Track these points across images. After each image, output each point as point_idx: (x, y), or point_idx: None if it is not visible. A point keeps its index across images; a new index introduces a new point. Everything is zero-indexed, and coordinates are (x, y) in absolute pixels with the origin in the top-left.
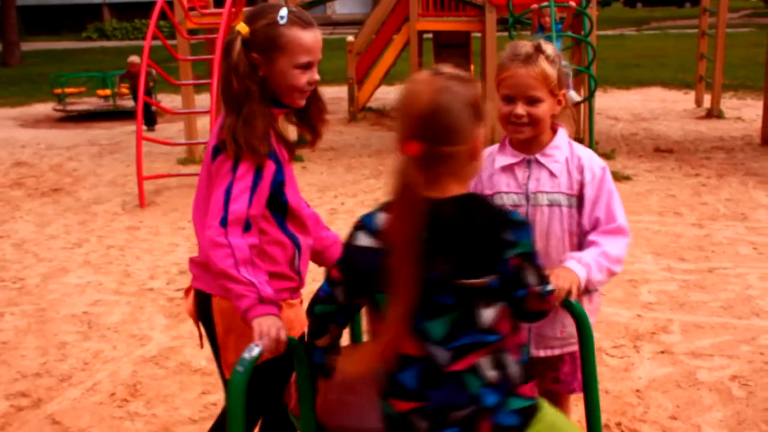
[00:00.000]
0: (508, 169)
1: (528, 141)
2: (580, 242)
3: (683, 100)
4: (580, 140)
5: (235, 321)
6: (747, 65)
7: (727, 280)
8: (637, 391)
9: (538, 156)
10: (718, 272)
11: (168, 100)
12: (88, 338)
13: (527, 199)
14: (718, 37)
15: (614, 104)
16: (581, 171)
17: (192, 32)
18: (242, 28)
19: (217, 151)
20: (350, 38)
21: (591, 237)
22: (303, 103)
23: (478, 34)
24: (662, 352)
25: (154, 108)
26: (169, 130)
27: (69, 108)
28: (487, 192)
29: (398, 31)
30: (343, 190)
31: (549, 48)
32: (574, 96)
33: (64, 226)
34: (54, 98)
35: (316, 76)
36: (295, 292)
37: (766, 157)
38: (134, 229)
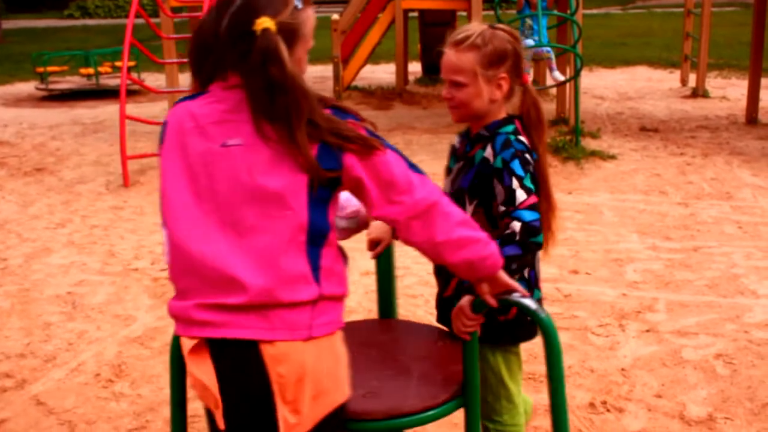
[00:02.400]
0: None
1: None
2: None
3: (669, 79)
4: (565, 120)
5: (305, 365)
6: (732, 44)
7: (712, 259)
8: (623, 369)
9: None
10: (703, 251)
11: (152, 79)
12: (73, 319)
13: None
14: (704, 16)
15: (600, 83)
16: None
17: (176, 10)
18: (267, 22)
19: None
20: (335, 17)
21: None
22: None
23: (464, 13)
24: (647, 331)
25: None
26: (153, 108)
27: (51, 87)
28: None
29: (384, 9)
30: None
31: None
32: (557, 76)
33: (47, 205)
34: (36, 77)
35: None
36: None
37: (750, 136)
38: (118, 208)
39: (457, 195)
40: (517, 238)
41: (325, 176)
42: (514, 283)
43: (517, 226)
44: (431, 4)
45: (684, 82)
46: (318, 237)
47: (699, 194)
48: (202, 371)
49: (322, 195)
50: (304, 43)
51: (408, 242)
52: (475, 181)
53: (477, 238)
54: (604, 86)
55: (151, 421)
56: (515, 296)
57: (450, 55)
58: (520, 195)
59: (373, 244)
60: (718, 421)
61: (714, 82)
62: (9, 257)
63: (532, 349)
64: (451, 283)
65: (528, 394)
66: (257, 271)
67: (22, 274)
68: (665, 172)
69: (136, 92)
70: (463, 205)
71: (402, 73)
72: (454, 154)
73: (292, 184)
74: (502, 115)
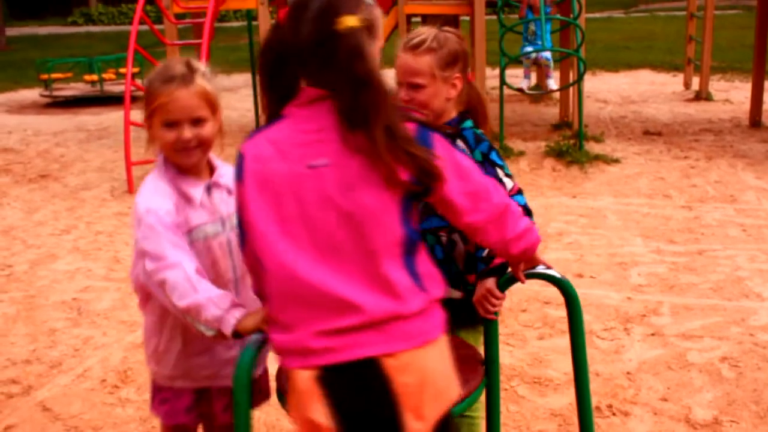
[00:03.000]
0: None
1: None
2: None
3: (672, 82)
4: (568, 124)
5: (426, 369)
6: (735, 47)
7: (717, 262)
8: (628, 373)
9: (215, 178)
10: (707, 254)
11: None
12: (78, 325)
13: (223, 224)
14: (707, 19)
15: (603, 87)
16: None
17: (179, 17)
18: (351, 20)
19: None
20: None
21: None
22: None
23: (467, 18)
24: (652, 335)
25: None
26: None
27: (56, 94)
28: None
29: (387, 14)
30: None
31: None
32: (551, 84)
33: (52, 212)
34: (40, 84)
35: None
36: None
37: (754, 139)
38: (123, 215)
39: None
40: None
41: (414, 189)
42: (541, 258)
43: (518, 210)
44: (434, 9)
45: (687, 85)
46: (411, 246)
47: (703, 197)
48: (314, 408)
49: (410, 204)
50: (378, 41)
51: (482, 244)
52: None
53: (530, 226)
54: (607, 90)
55: (156, 427)
56: (540, 269)
57: (407, 59)
58: (508, 183)
59: None
60: (723, 425)
61: (717, 85)
62: (14, 264)
63: (537, 353)
64: None
65: (534, 398)
66: (367, 290)
67: (27, 280)
68: (669, 175)
69: (140, 98)
70: None
71: None
72: None
73: (384, 200)
74: (455, 112)
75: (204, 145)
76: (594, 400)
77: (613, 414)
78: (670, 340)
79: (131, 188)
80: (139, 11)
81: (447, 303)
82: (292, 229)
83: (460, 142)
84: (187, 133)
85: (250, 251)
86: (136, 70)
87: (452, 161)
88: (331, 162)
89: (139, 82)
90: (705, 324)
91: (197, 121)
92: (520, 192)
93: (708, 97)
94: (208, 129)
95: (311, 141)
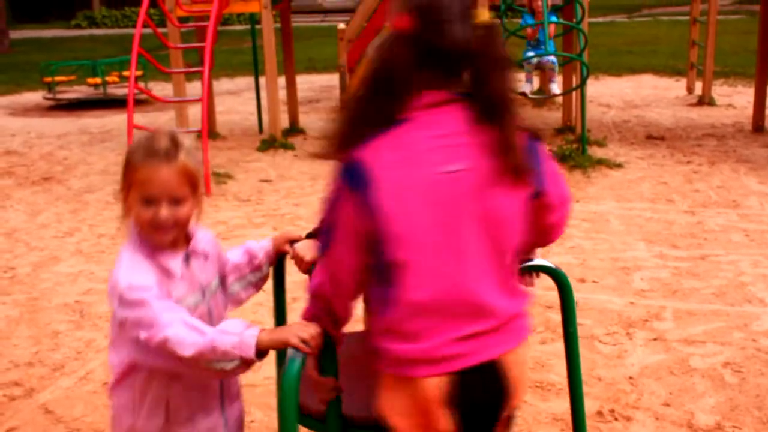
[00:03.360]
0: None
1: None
2: None
3: (675, 87)
4: (571, 128)
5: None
6: (738, 52)
7: (720, 267)
8: (630, 378)
9: (192, 247)
10: (710, 259)
11: (159, 88)
12: (81, 327)
13: (203, 294)
14: (710, 24)
15: (606, 91)
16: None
17: (183, 20)
18: (485, 14)
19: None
20: (341, 26)
21: None
22: None
23: None
24: (655, 339)
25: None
26: (160, 118)
27: (59, 96)
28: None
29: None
30: None
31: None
32: (554, 88)
33: (55, 214)
34: (44, 87)
35: None
36: None
37: (757, 144)
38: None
39: None
40: None
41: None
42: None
43: None
44: None
45: (690, 90)
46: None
47: (706, 202)
48: (440, 414)
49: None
50: None
51: (542, 240)
52: None
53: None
54: (610, 94)
55: None
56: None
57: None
58: None
59: (309, 266)
60: (726, 430)
61: (720, 90)
62: (17, 266)
63: (540, 357)
64: None
65: (536, 403)
66: (499, 293)
67: (30, 282)
68: (672, 180)
69: (143, 101)
70: None
71: None
72: None
73: (515, 202)
74: None
75: (180, 224)
76: (596, 405)
77: (615, 419)
78: (673, 345)
79: None
80: (143, 14)
81: None
82: (434, 236)
83: None
84: (165, 212)
85: (352, 260)
86: (139, 73)
87: (552, 167)
88: (467, 166)
89: (142, 85)
90: (708, 329)
91: (176, 201)
92: None
93: (711, 102)
94: (185, 209)
95: (444, 146)
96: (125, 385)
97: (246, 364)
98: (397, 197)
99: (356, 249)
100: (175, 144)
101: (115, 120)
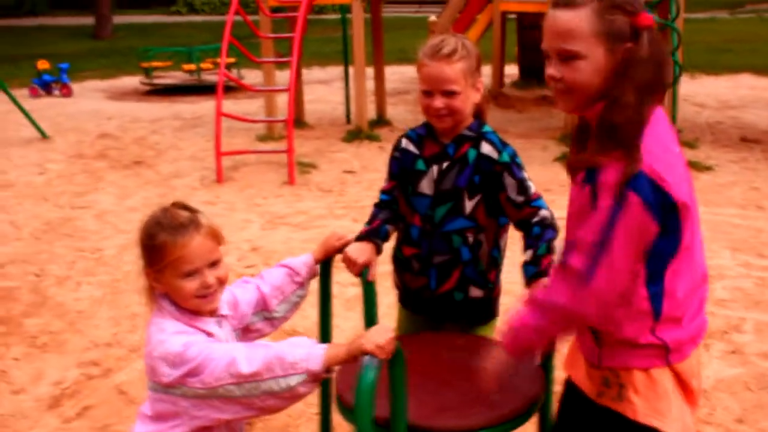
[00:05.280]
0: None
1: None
2: None
3: None
4: None
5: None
6: None
7: None
8: (704, 391)
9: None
10: None
11: (253, 76)
12: None
13: None
14: None
15: (701, 90)
16: None
17: (275, 10)
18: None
19: None
20: (432, 17)
21: None
22: None
23: None
24: (733, 352)
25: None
26: (251, 106)
27: (155, 82)
28: None
29: (482, 11)
30: None
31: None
32: None
33: (143, 198)
34: (141, 72)
35: None
36: None
37: None
38: (210, 204)
39: (449, 194)
40: (551, 222)
41: None
42: None
43: (546, 213)
44: (530, 7)
45: None
46: None
47: None
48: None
49: None
50: None
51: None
52: (475, 178)
53: None
54: (705, 94)
55: None
56: None
57: (442, 67)
58: (531, 186)
59: (362, 268)
60: None
61: None
62: (104, 248)
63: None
64: (452, 276)
65: None
66: None
67: (115, 264)
68: (764, 185)
69: (235, 89)
70: (459, 202)
71: (498, 75)
72: (419, 156)
73: None
74: (472, 116)
75: (223, 284)
76: None
77: None
78: (751, 359)
79: (219, 178)
80: (235, 3)
81: (469, 302)
82: (697, 214)
83: (486, 145)
84: (210, 278)
85: (633, 267)
86: (232, 60)
87: None
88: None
89: (234, 72)
90: None
91: (215, 264)
92: (540, 197)
93: None
94: (224, 268)
95: (669, 129)
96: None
97: (312, 379)
98: (677, 185)
99: (638, 256)
100: (192, 211)
101: (207, 106)
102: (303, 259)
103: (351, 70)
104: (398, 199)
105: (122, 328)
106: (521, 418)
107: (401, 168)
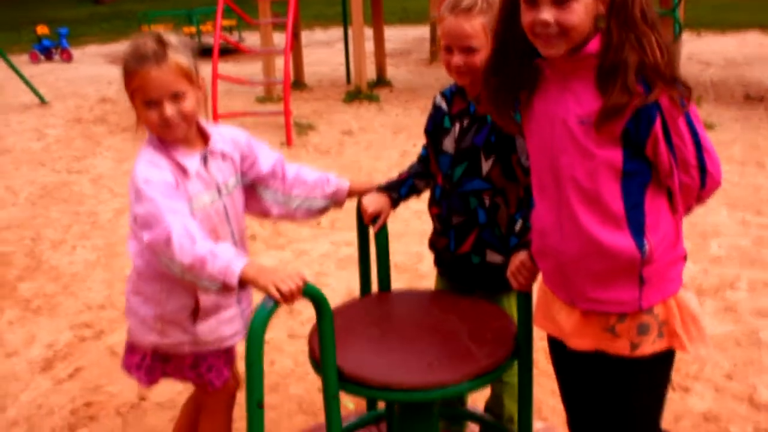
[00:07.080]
0: None
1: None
2: None
3: None
4: None
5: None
6: None
7: None
8: None
9: (210, 147)
10: None
11: (254, 38)
12: None
13: (219, 192)
14: None
15: (706, 48)
16: None
17: None
18: None
19: None
20: None
21: None
22: None
23: None
24: (725, 309)
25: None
26: (251, 68)
27: None
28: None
29: None
30: (417, 131)
31: None
32: None
33: None
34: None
35: None
36: None
37: None
38: None
39: (467, 153)
40: None
41: None
42: None
43: None
44: None
45: None
46: None
47: None
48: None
49: None
50: None
51: None
52: (492, 138)
53: None
54: (711, 51)
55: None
56: None
57: (460, 23)
58: None
59: (372, 218)
60: None
61: None
62: (100, 212)
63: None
64: (468, 238)
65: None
66: None
67: (110, 228)
68: (765, 143)
69: (235, 51)
70: (476, 162)
71: None
72: (447, 114)
73: None
74: None
75: (187, 118)
76: None
77: (673, 389)
78: (743, 317)
79: None
80: None
81: (488, 267)
82: None
83: None
84: (168, 110)
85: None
86: (232, 22)
87: None
88: None
89: (235, 35)
90: None
91: (176, 97)
92: None
93: None
94: (188, 103)
95: None
96: (151, 276)
97: (226, 289)
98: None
99: None
100: (161, 44)
101: (206, 69)
102: (341, 182)
103: (350, 30)
104: (429, 157)
105: (115, 290)
106: (501, 369)
107: (434, 125)
